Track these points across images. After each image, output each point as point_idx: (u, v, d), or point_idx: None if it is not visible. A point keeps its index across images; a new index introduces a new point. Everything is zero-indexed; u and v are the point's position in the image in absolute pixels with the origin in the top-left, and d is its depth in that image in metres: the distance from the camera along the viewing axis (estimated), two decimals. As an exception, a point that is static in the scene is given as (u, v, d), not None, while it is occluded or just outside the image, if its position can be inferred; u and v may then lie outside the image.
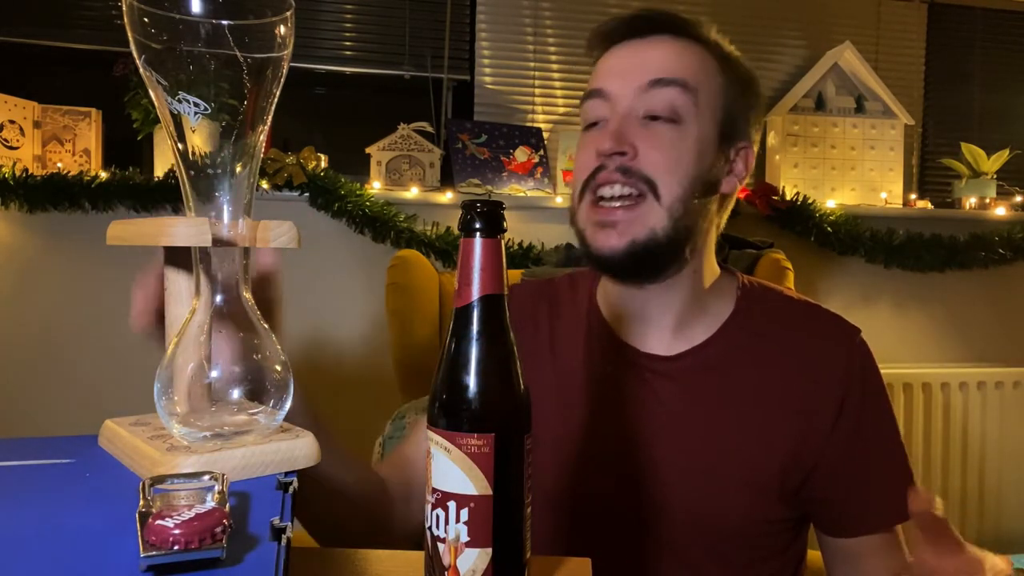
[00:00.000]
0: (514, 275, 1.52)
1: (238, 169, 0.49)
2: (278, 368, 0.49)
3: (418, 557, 0.50)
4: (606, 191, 0.79)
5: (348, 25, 2.15)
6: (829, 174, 2.23)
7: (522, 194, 2.00)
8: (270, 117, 0.49)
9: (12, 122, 1.81)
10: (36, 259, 1.82)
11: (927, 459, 2.18)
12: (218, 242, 0.48)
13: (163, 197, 1.80)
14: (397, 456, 0.91)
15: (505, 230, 0.48)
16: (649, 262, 0.79)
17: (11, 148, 1.81)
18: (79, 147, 1.88)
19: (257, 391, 0.49)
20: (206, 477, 0.42)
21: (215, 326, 0.49)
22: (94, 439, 0.55)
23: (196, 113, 0.46)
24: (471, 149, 2.02)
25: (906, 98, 2.34)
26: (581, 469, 0.84)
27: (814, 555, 0.91)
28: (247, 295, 0.50)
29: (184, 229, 0.47)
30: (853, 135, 2.24)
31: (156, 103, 0.47)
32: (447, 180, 2.02)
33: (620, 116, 0.80)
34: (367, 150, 1.97)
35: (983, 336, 2.32)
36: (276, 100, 0.49)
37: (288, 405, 0.49)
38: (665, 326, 0.85)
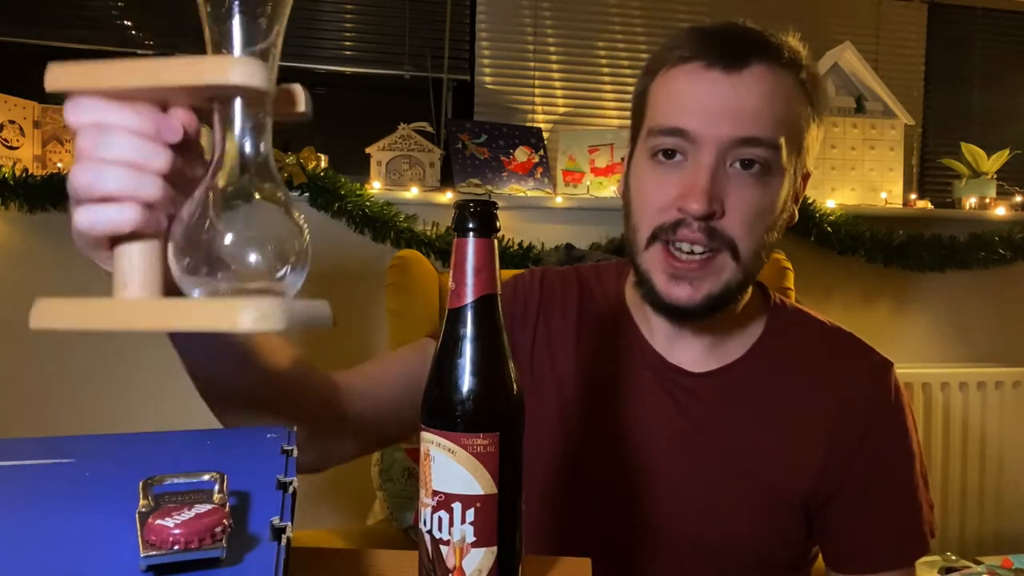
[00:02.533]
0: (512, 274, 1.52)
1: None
2: (298, 234, 0.45)
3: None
4: (684, 246, 0.74)
5: (348, 25, 2.15)
6: (829, 174, 2.23)
7: (522, 194, 2.00)
8: None
9: (12, 122, 1.81)
10: (36, 259, 1.82)
11: (927, 459, 2.17)
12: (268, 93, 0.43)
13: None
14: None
15: (498, 230, 0.48)
16: (721, 307, 0.78)
17: (11, 148, 1.81)
18: (79, 147, 1.87)
19: (281, 257, 0.44)
20: (206, 477, 0.42)
21: (233, 189, 0.44)
22: (94, 439, 0.55)
23: None
24: (471, 149, 2.02)
25: (906, 98, 2.33)
26: (591, 464, 0.83)
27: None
28: (270, 158, 0.45)
29: (246, 68, 0.41)
30: (853, 135, 2.24)
31: None
32: (447, 180, 2.02)
33: (709, 168, 0.73)
34: (367, 150, 1.97)
35: (983, 336, 2.32)
36: None
37: (305, 275, 0.45)
38: (701, 342, 0.83)
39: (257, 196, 0.44)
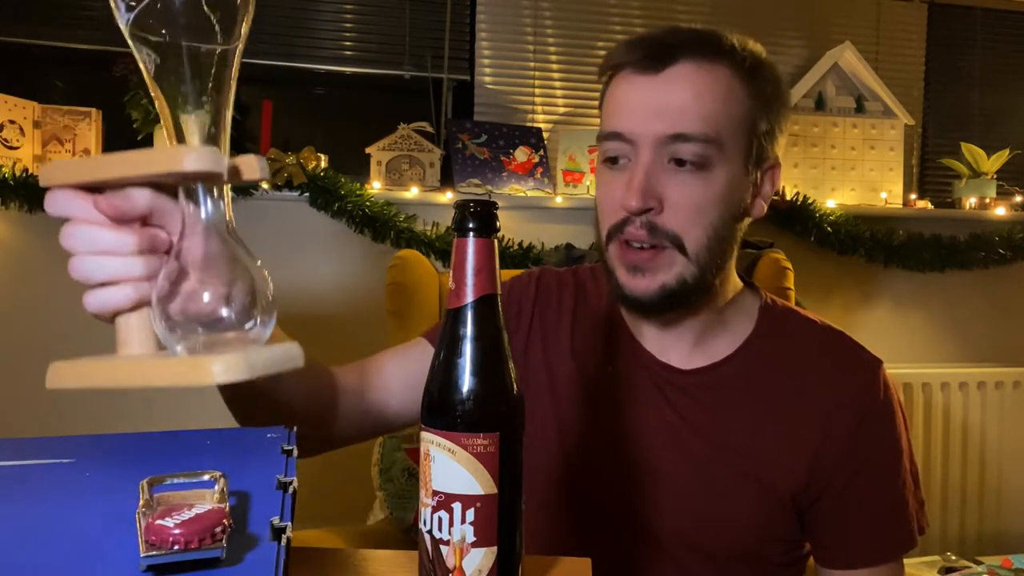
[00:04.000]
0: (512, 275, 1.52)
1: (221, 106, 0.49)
2: (264, 288, 0.50)
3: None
4: (634, 243, 0.78)
5: (348, 25, 2.15)
6: (829, 174, 2.23)
7: (522, 194, 2.00)
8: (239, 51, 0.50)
9: (12, 122, 1.81)
10: (36, 259, 1.82)
11: (927, 459, 2.17)
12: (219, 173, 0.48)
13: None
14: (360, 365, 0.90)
15: (498, 230, 0.48)
16: (680, 301, 0.80)
17: (11, 148, 1.81)
18: (79, 147, 1.88)
19: (248, 311, 0.49)
20: (206, 477, 0.42)
21: (203, 252, 0.49)
22: (94, 439, 0.55)
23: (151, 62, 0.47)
24: (471, 149, 2.02)
25: (906, 98, 2.33)
26: (587, 463, 0.84)
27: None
28: (230, 221, 0.51)
29: (203, 157, 0.46)
30: (853, 135, 2.24)
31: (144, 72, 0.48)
32: (447, 180, 2.02)
33: (644, 166, 0.76)
34: (367, 150, 1.97)
35: (983, 336, 2.32)
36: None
37: (273, 323, 0.50)
38: (685, 340, 0.85)
39: (223, 256, 0.49)
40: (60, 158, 1.86)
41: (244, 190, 1.83)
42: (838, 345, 0.86)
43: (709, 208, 0.77)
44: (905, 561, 0.85)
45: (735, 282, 0.87)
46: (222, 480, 0.41)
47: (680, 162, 0.76)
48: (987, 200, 2.28)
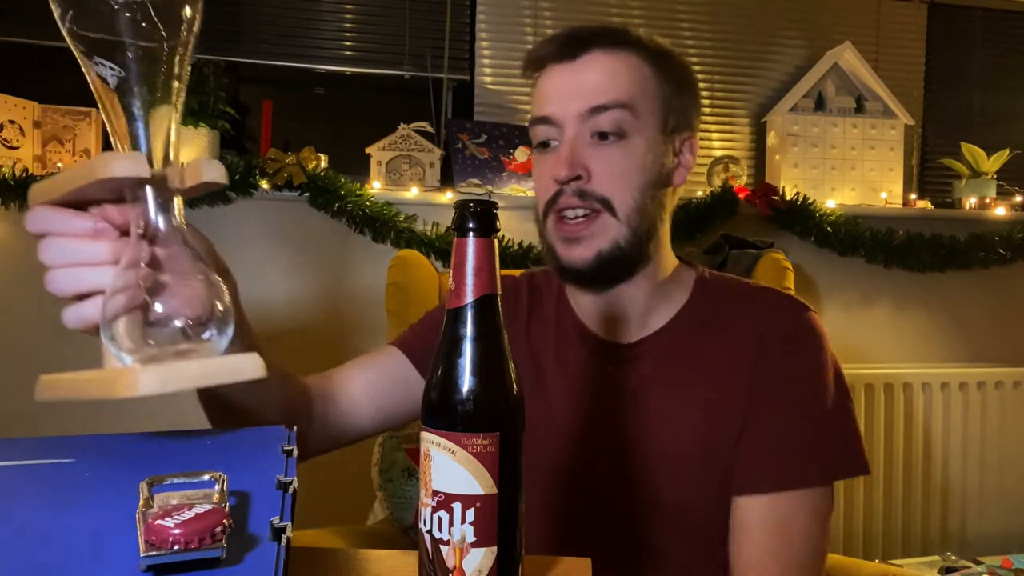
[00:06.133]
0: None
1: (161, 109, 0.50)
2: (219, 298, 0.50)
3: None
4: (568, 213, 0.84)
5: (348, 25, 2.15)
6: (829, 174, 2.23)
7: (522, 194, 2.00)
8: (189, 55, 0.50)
9: (12, 122, 1.81)
10: (36, 259, 1.81)
11: (927, 459, 2.18)
12: (154, 177, 0.48)
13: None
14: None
15: (498, 230, 0.48)
16: (617, 268, 0.85)
17: (11, 148, 1.81)
18: (79, 147, 1.88)
19: (204, 320, 0.49)
20: (206, 477, 0.42)
21: (153, 260, 0.49)
22: (94, 439, 0.55)
23: (112, 75, 0.48)
24: (471, 149, 2.02)
25: (906, 98, 2.33)
26: (552, 454, 0.87)
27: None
28: (182, 231, 0.51)
29: (124, 162, 0.47)
30: (853, 135, 2.24)
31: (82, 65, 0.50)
32: (447, 180, 2.02)
33: (569, 141, 0.83)
34: (367, 150, 1.97)
35: (983, 336, 2.32)
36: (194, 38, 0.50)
37: (231, 333, 0.50)
38: (630, 317, 0.89)
39: (175, 265, 0.49)
40: (60, 158, 1.86)
41: (244, 190, 1.84)
42: (768, 295, 0.91)
43: (632, 172, 0.83)
44: (905, 561, 0.85)
45: (671, 258, 0.92)
46: (222, 480, 0.41)
47: (603, 136, 0.83)
48: (987, 200, 2.28)
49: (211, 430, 0.56)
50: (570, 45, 0.86)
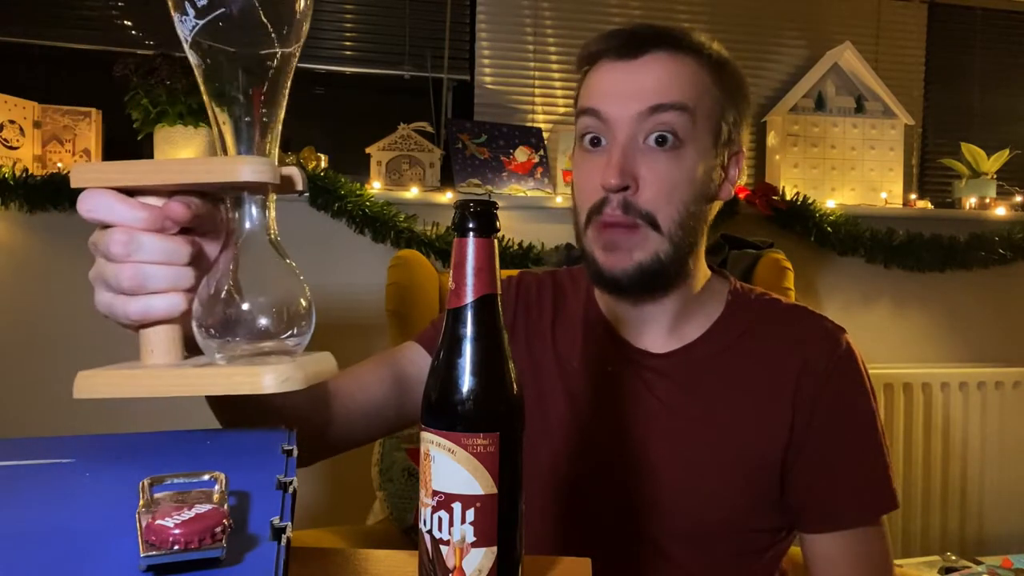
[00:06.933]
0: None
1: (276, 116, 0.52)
2: (303, 300, 0.51)
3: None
4: (610, 221, 0.81)
5: (348, 25, 2.15)
6: (829, 174, 2.23)
7: (522, 194, 2.00)
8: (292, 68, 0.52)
9: (12, 122, 1.81)
10: (36, 259, 1.82)
11: (927, 459, 2.18)
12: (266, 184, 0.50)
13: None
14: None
15: (498, 230, 0.48)
16: (656, 281, 0.83)
17: (11, 148, 1.81)
18: (79, 147, 1.88)
19: (290, 320, 0.50)
20: (206, 477, 0.42)
21: (246, 261, 0.51)
22: (94, 439, 0.55)
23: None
24: (471, 149, 2.02)
25: (906, 98, 2.33)
26: (574, 456, 0.86)
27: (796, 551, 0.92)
28: (274, 234, 0.53)
29: (261, 167, 0.48)
30: (853, 135, 2.24)
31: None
32: (447, 180, 2.02)
33: (621, 145, 0.80)
34: (367, 150, 1.97)
35: (983, 336, 2.32)
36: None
37: (311, 334, 0.51)
38: (661, 326, 0.88)
39: (267, 266, 0.51)
40: (60, 158, 1.86)
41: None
42: (803, 315, 0.90)
43: (682, 185, 0.81)
44: (905, 561, 0.86)
45: (705, 270, 0.91)
46: (222, 480, 0.41)
47: (658, 141, 0.80)
48: (987, 200, 2.28)
49: (211, 430, 0.56)
50: (631, 43, 0.83)
